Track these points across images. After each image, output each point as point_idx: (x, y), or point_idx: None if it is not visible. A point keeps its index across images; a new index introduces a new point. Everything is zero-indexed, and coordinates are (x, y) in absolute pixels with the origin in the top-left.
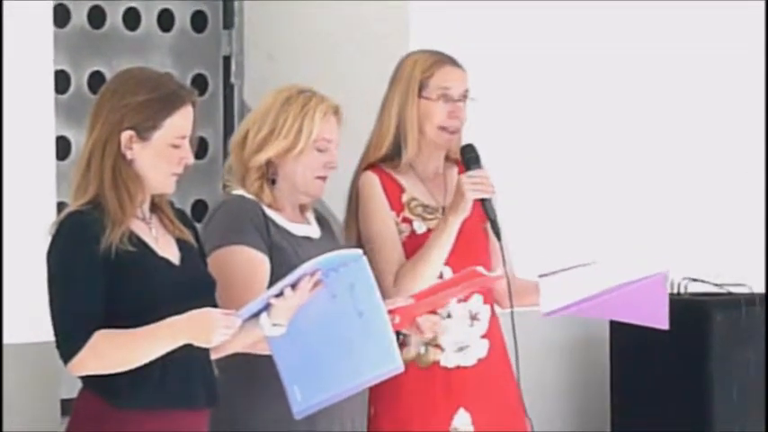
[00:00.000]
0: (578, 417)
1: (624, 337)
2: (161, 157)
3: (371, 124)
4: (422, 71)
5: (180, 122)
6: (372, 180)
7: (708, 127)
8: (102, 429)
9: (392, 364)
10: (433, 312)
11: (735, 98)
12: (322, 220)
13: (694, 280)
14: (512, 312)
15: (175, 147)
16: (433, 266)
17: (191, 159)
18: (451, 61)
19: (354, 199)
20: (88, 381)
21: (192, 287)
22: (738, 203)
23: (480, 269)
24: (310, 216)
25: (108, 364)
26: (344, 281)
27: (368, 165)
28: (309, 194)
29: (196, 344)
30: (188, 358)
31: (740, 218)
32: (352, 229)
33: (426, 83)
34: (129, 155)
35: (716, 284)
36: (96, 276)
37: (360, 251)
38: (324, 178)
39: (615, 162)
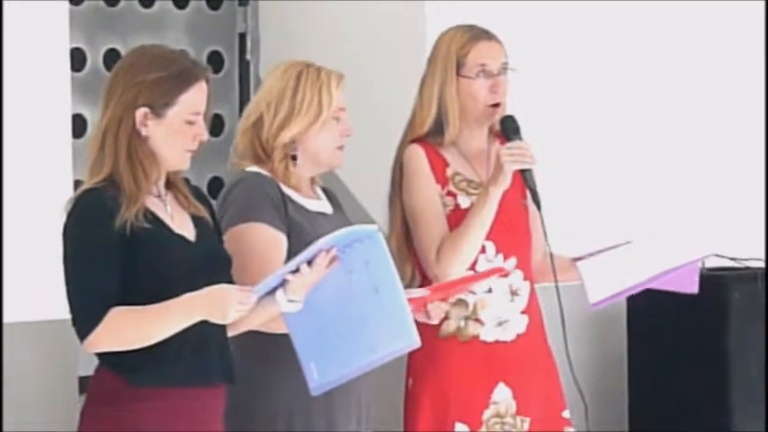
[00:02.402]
0: (596, 392)
1: (641, 312)
2: (176, 134)
3: (388, 99)
4: (457, 49)
5: (194, 99)
6: (418, 153)
7: (722, 104)
8: (118, 406)
9: (408, 339)
10: (443, 300)
11: (757, 80)
12: (330, 194)
13: (712, 255)
14: (556, 286)
15: (190, 123)
16: (475, 239)
17: (205, 136)
18: (486, 35)
19: (399, 172)
20: (104, 358)
21: (208, 264)
22: (756, 179)
23: (507, 267)
24: (319, 190)
25: (123, 341)
26: (360, 257)
27: (412, 139)
28: (332, 165)
29: (211, 320)
30: (204, 335)
31: (758, 193)
32: (397, 203)
33: (463, 61)
34: (143, 132)
35: (733, 259)
36: (112, 254)
37: (375, 227)
38: (342, 147)
39: (634, 140)
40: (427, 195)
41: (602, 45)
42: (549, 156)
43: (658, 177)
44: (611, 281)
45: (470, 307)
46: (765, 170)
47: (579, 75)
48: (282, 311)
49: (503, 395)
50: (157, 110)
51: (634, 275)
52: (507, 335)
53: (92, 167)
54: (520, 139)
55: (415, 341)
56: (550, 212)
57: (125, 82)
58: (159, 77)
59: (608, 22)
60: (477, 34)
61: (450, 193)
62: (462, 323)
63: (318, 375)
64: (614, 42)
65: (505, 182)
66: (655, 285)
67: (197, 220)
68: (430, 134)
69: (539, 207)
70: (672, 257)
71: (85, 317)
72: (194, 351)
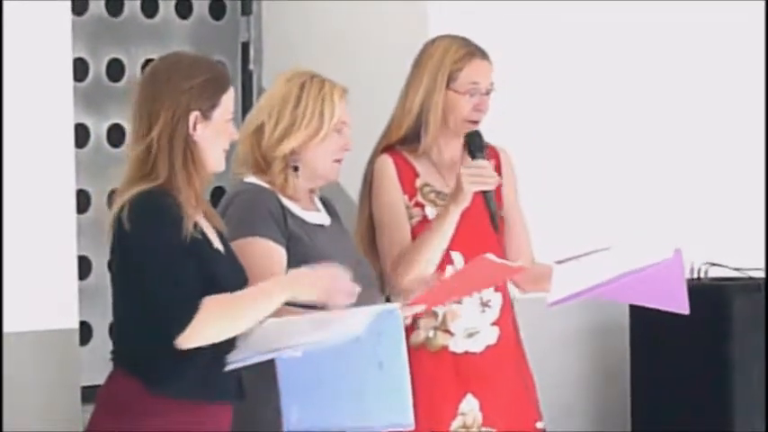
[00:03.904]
0: (598, 402)
1: (644, 322)
2: (220, 134)
3: (389, 107)
4: (452, 62)
5: (230, 98)
6: (386, 163)
7: (723, 111)
8: (131, 413)
9: (404, 420)
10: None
11: (753, 83)
12: (328, 205)
13: (714, 265)
14: (511, 299)
15: (228, 122)
16: (431, 255)
17: (237, 135)
18: (481, 53)
19: (369, 180)
20: (125, 365)
21: (238, 278)
22: (757, 188)
23: (491, 256)
24: (317, 202)
25: (218, 331)
26: (372, 327)
27: (385, 147)
28: (328, 178)
29: (301, 298)
30: (220, 352)
31: (759, 202)
32: (365, 210)
33: (456, 75)
34: (195, 136)
35: (735, 269)
36: (186, 251)
37: (397, 305)
38: (340, 161)
39: (634, 147)
40: (393, 206)
41: (600, 48)
42: (554, 165)
43: (659, 188)
44: (574, 282)
45: (440, 317)
46: (766, 179)
47: (579, 77)
48: (283, 356)
49: (470, 406)
50: (206, 112)
51: (595, 276)
52: (477, 346)
53: (138, 178)
54: (483, 157)
55: (410, 423)
56: (552, 219)
57: (171, 90)
58: (205, 80)
59: (604, 26)
60: (473, 51)
61: (417, 204)
62: (432, 333)
63: (298, 421)
64: (612, 45)
65: (465, 201)
66: (633, 299)
67: (220, 234)
68: (406, 139)
69: (495, 229)
70: (636, 260)
71: (180, 311)
72: (211, 366)
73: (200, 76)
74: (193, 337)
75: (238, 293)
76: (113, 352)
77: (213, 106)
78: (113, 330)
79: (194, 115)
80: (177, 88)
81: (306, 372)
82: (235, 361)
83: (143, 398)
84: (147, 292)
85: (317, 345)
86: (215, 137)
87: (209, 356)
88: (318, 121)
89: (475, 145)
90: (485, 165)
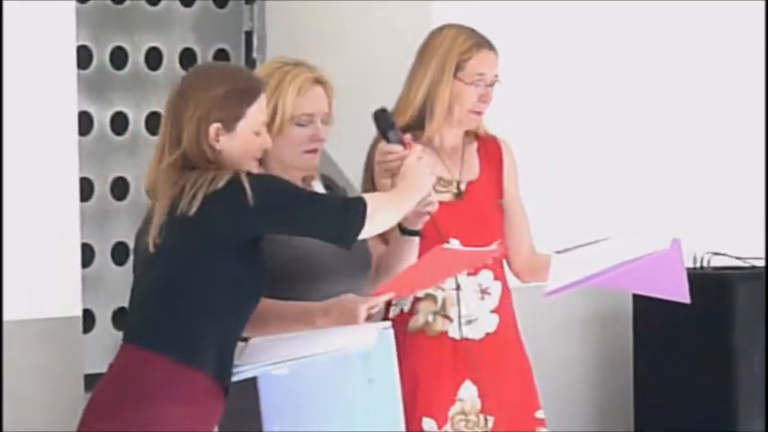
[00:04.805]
0: (601, 391)
1: (647, 311)
2: (247, 146)
3: (392, 98)
4: (460, 52)
5: (259, 110)
6: None
7: (724, 102)
8: (152, 394)
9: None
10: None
11: (754, 76)
12: (331, 187)
13: (717, 254)
14: (510, 291)
15: (257, 134)
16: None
17: (269, 143)
18: (488, 44)
19: (370, 166)
20: (154, 340)
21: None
22: (759, 177)
23: (448, 246)
24: (317, 184)
25: (392, 215)
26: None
27: None
28: (302, 169)
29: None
30: (228, 355)
31: (761, 191)
32: (368, 189)
33: (463, 65)
34: (217, 146)
35: (739, 258)
36: None
37: (389, 323)
38: (314, 151)
39: (636, 138)
40: None
41: (601, 44)
42: (555, 156)
43: (661, 177)
44: (571, 272)
45: (439, 302)
46: (766, 167)
47: (580, 71)
48: (270, 374)
49: (468, 393)
50: (228, 124)
51: (592, 266)
52: (476, 333)
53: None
54: (395, 135)
55: None
56: (554, 209)
57: (193, 101)
58: (227, 92)
59: (605, 25)
60: (481, 42)
61: None
62: (431, 318)
63: None
64: (612, 42)
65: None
66: (633, 288)
67: None
68: (409, 127)
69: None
70: (634, 251)
71: (357, 213)
72: (227, 353)
73: (222, 88)
74: (374, 223)
75: (391, 192)
76: (131, 330)
77: (237, 118)
78: (136, 309)
79: (214, 127)
80: (198, 99)
81: (288, 390)
82: (243, 370)
83: (163, 377)
84: (313, 217)
85: (329, 355)
86: (242, 149)
87: (228, 340)
88: (271, 115)
89: (383, 123)
90: (393, 149)
